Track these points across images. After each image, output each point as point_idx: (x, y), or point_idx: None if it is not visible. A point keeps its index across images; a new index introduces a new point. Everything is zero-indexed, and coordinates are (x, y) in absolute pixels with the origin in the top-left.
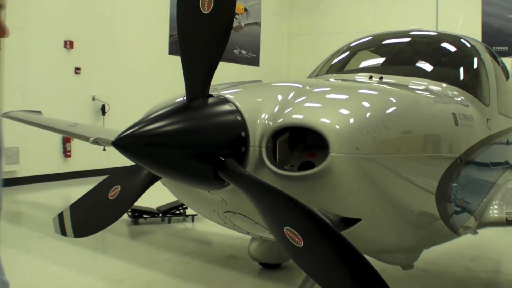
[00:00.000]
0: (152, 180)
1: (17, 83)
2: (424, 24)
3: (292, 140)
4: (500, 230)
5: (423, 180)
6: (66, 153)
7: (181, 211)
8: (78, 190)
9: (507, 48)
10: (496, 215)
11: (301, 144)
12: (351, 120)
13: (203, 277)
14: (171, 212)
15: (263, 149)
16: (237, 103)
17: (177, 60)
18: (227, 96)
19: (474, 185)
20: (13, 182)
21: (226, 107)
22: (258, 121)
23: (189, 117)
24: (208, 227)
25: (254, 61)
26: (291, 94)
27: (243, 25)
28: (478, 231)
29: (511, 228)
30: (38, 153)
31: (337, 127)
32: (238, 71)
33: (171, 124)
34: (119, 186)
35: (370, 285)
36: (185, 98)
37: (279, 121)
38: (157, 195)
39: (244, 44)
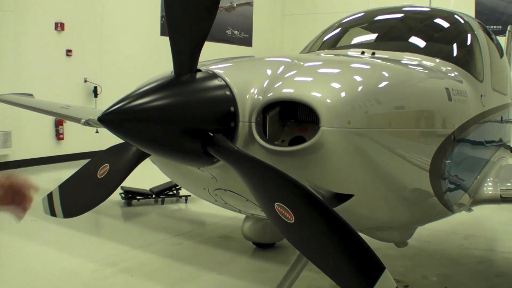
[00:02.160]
0: (140, 157)
1: (8, 66)
2: (417, 1)
3: (282, 115)
4: (494, 208)
5: (416, 156)
6: (59, 136)
7: (175, 192)
8: (70, 173)
9: (500, 27)
10: (490, 192)
11: (292, 119)
12: (343, 94)
13: (196, 258)
14: (164, 193)
15: (253, 124)
16: (226, 78)
17: (168, 41)
18: (215, 71)
19: (468, 161)
20: (5, 165)
21: (215, 81)
22: (247, 96)
23: (176, 92)
24: (201, 208)
25: (246, 41)
26: (281, 69)
27: (235, 5)
28: (473, 208)
29: (506, 205)
30: (31, 136)
31: (328, 100)
32: (231, 51)
33: (158, 99)
34: (107, 164)
35: (363, 261)
36: (172, 73)
37: (269, 95)
38: (150, 176)
39: (237, 24)
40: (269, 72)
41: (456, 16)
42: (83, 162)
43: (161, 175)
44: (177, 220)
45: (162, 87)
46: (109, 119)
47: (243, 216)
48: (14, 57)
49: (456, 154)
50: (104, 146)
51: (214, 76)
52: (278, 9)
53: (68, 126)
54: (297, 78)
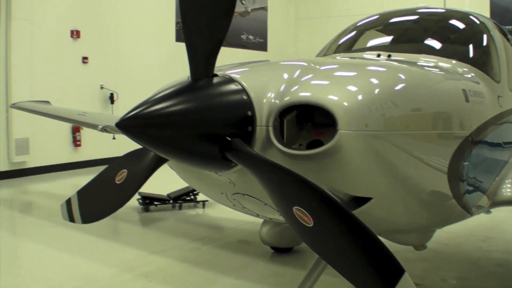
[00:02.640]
0: (158, 162)
1: (25, 73)
2: (432, 2)
3: (299, 119)
4: None
5: (434, 158)
6: (76, 142)
7: (192, 197)
8: (88, 179)
9: None
10: (509, 194)
11: (309, 122)
12: (360, 97)
13: (214, 263)
14: (182, 198)
15: (270, 128)
16: (242, 82)
17: (184, 46)
18: (232, 75)
19: (486, 163)
20: (23, 172)
21: (232, 86)
22: (264, 100)
23: (194, 97)
24: (219, 212)
25: (262, 46)
26: (298, 72)
27: (249, 10)
28: (491, 210)
29: None
30: (48, 143)
31: (345, 103)
32: (246, 56)
33: (176, 104)
34: (125, 170)
35: (382, 264)
36: (189, 78)
37: (286, 99)
38: (167, 182)
39: (251, 29)
40: (285, 76)
41: (471, 16)
42: (100, 168)
43: (178, 180)
44: (195, 225)
45: (180, 92)
46: (127, 125)
47: (261, 220)
48: (31, 65)
49: (474, 156)
50: (121, 152)
51: (231, 80)
52: (292, 13)
53: (85, 132)
54: (313, 82)
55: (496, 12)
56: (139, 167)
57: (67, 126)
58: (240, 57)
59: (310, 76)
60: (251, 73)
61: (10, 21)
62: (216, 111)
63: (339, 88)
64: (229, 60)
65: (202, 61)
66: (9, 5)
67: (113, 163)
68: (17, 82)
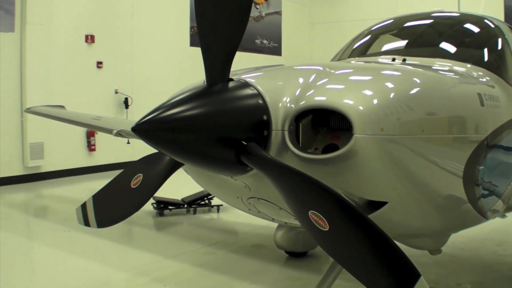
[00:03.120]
0: (174, 167)
1: (40, 78)
2: (446, 6)
3: (315, 123)
4: None
5: (449, 162)
6: (91, 147)
7: (206, 201)
8: (103, 183)
9: None
10: None
11: (325, 126)
12: (375, 101)
13: (229, 267)
14: (196, 203)
15: (286, 132)
16: (258, 87)
17: (198, 51)
18: (248, 79)
19: (502, 167)
20: (38, 177)
21: (247, 90)
22: (280, 104)
23: (210, 101)
24: (233, 217)
25: (276, 50)
26: (313, 77)
27: (263, 14)
28: (506, 214)
29: None
30: (63, 147)
31: (361, 108)
32: (261, 61)
33: (191, 108)
34: (141, 174)
35: (398, 268)
36: (205, 82)
37: (301, 103)
38: (182, 186)
39: (266, 34)
40: (301, 80)
41: (486, 20)
42: (115, 172)
43: (192, 185)
44: (209, 229)
45: (195, 96)
46: (143, 129)
47: (275, 225)
48: (45, 69)
49: (489, 160)
50: (135, 157)
51: (246, 85)
52: (306, 17)
53: (100, 137)
54: (329, 86)
55: (511, 16)
56: (154, 172)
57: (82, 131)
58: (254, 61)
59: (325, 80)
60: (266, 78)
61: (25, 26)
62: (232, 116)
63: (355, 92)
64: (243, 64)
65: (217, 65)
66: (24, 10)
67: (128, 168)
68: (32, 87)
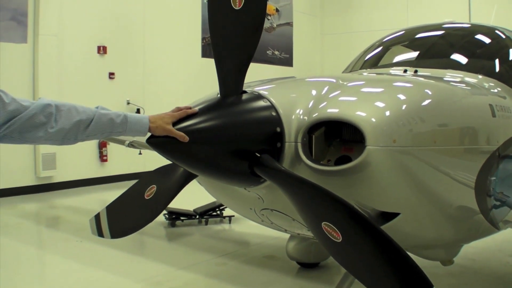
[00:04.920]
0: (187, 178)
1: (52, 89)
2: (457, 17)
3: (328, 135)
4: None
5: (461, 173)
6: (102, 157)
7: (218, 212)
8: (115, 194)
9: None
10: None
11: (337, 138)
12: (387, 113)
13: (241, 278)
14: (208, 213)
15: (299, 144)
16: (271, 99)
17: (210, 62)
18: (261, 92)
19: None
20: (50, 187)
21: (261, 103)
22: (293, 116)
23: (223, 114)
24: (245, 228)
25: (287, 61)
26: (326, 89)
27: (275, 25)
28: None
29: None
30: (75, 158)
31: (373, 119)
32: (272, 72)
33: (206, 120)
34: (155, 185)
35: (411, 279)
36: (219, 95)
37: (314, 115)
38: (194, 197)
39: (277, 44)
40: (313, 92)
41: (497, 31)
42: (127, 183)
43: (204, 195)
44: (221, 240)
45: (210, 108)
46: (158, 142)
47: (287, 236)
48: (58, 80)
49: (501, 171)
50: (147, 168)
51: (259, 97)
52: (317, 28)
53: (112, 148)
54: (341, 98)
55: None
56: (168, 183)
57: (94, 142)
58: (266, 72)
59: (338, 92)
60: (279, 90)
61: (37, 37)
62: (245, 128)
63: (367, 104)
64: (255, 75)
65: (231, 78)
66: (37, 22)
67: (142, 179)
68: (44, 97)
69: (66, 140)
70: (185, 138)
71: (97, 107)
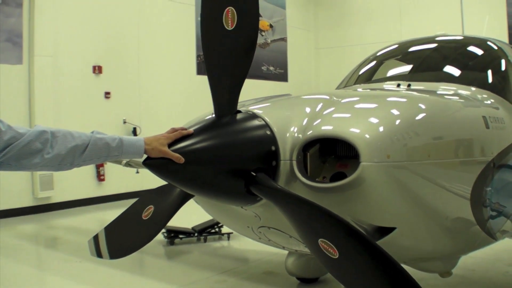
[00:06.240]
0: (184, 198)
1: (48, 109)
2: (450, 29)
3: (322, 152)
4: None
5: (457, 185)
6: (100, 177)
7: (217, 229)
8: (113, 213)
9: None
10: None
11: (332, 155)
12: (381, 129)
13: None
14: (207, 231)
15: (294, 162)
16: (265, 118)
17: (205, 79)
18: (255, 111)
19: (509, 188)
20: (48, 207)
21: (255, 122)
22: (287, 135)
23: (218, 134)
24: (244, 244)
25: (282, 76)
26: (319, 106)
27: (269, 41)
28: None
29: None
30: (72, 178)
31: (367, 136)
32: (267, 87)
33: (200, 141)
34: (152, 206)
35: None
36: (213, 115)
37: (308, 133)
38: (192, 214)
39: (272, 60)
40: (307, 110)
41: (489, 42)
42: (125, 202)
43: (202, 213)
44: (220, 257)
45: (205, 129)
46: (154, 163)
47: (286, 251)
48: (54, 100)
49: (497, 181)
50: (145, 187)
51: (254, 116)
52: (311, 43)
53: (109, 167)
54: (335, 115)
55: None
56: (165, 203)
57: None
58: (261, 88)
59: (332, 109)
60: (273, 108)
61: (33, 58)
62: (240, 147)
63: (361, 120)
64: (250, 91)
65: (225, 98)
66: (32, 43)
67: (139, 199)
68: (40, 118)
69: (62, 166)
70: (180, 159)
71: (92, 132)
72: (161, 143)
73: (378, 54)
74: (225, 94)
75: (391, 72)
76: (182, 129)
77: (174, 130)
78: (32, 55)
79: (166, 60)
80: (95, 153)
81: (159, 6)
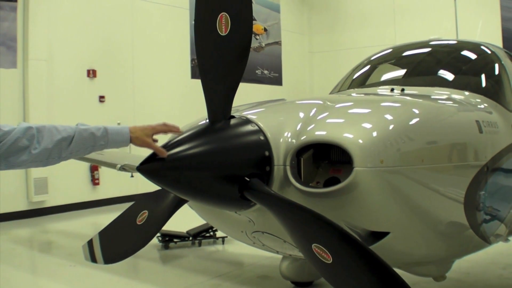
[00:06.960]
0: (179, 203)
1: (43, 113)
2: (444, 32)
3: (316, 157)
4: None
5: (450, 189)
6: (94, 181)
7: (211, 233)
8: (107, 217)
9: None
10: None
11: (326, 160)
12: (374, 133)
13: None
14: (201, 235)
15: (288, 167)
16: (259, 123)
17: (199, 83)
18: (249, 116)
19: (503, 192)
20: (42, 212)
21: (249, 127)
22: (281, 140)
23: (212, 139)
24: (238, 248)
25: (276, 80)
26: (313, 111)
27: (263, 45)
28: (510, 238)
29: None
30: (67, 182)
31: (360, 141)
32: (262, 91)
33: (194, 147)
34: (146, 211)
35: None
36: (207, 120)
37: (302, 138)
38: (187, 219)
39: (266, 64)
40: (301, 115)
41: (482, 47)
42: (119, 206)
43: (197, 217)
44: (215, 261)
45: (198, 135)
46: (148, 169)
47: (280, 255)
48: (48, 104)
49: (490, 185)
50: (139, 190)
51: (247, 121)
52: (305, 46)
53: (104, 171)
54: (329, 120)
55: (509, 39)
56: (159, 208)
57: (85, 165)
58: (255, 92)
59: (325, 114)
60: (267, 114)
61: (27, 62)
62: (234, 153)
63: (354, 125)
64: (245, 95)
65: (219, 103)
66: (26, 47)
67: (134, 204)
68: (34, 122)
69: (50, 160)
70: (164, 153)
71: (77, 124)
72: (146, 133)
73: (372, 58)
74: (219, 100)
75: (385, 77)
76: (176, 127)
77: (165, 125)
78: (26, 59)
79: (160, 64)
80: (81, 143)
81: (153, 10)
